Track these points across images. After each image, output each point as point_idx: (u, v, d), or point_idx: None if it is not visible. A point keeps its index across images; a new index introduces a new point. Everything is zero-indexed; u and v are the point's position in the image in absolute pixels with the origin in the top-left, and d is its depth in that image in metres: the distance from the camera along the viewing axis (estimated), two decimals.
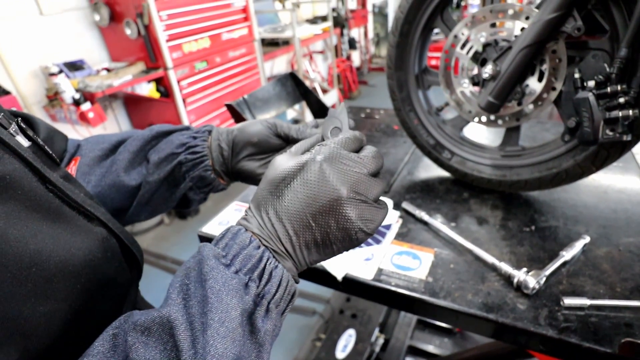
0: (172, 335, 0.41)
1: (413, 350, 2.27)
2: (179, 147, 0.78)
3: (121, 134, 0.81)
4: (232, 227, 0.52)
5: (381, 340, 2.32)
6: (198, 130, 0.81)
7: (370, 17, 9.12)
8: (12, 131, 0.51)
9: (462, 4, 8.63)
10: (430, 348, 2.25)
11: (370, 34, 9.47)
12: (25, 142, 0.54)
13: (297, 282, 0.55)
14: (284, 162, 0.56)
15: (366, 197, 0.54)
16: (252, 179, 0.81)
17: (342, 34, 7.69)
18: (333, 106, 0.76)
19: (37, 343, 0.44)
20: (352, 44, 8.05)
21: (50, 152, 0.58)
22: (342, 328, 2.38)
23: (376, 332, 2.34)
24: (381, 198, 0.58)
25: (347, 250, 0.56)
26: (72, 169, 0.72)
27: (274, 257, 0.52)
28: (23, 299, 0.42)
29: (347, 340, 2.30)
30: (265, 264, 0.50)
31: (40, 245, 0.44)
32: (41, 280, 0.44)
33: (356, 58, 9.13)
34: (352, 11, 8.24)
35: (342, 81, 7.75)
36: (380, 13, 9.40)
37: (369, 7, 9.03)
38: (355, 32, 8.74)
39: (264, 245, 0.51)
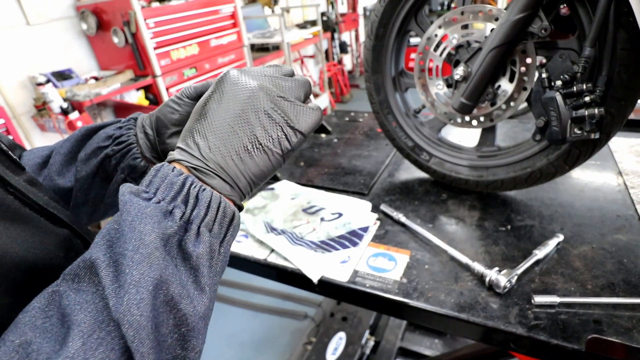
0: (97, 275, 0.40)
1: (404, 352, 2.27)
2: (105, 140, 0.75)
3: (57, 142, 0.79)
4: (156, 165, 0.50)
5: (371, 343, 2.32)
6: (124, 120, 0.78)
7: (361, 21, 9.14)
8: None
9: (452, 5, 8.68)
10: (421, 349, 2.25)
11: (362, 38, 9.49)
12: None
13: (239, 207, 0.54)
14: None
15: (285, 94, 0.54)
16: None
17: (333, 38, 7.71)
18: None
19: None
20: (344, 47, 8.06)
21: (14, 157, 0.59)
22: (332, 331, 2.38)
23: (366, 334, 2.34)
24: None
25: (284, 154, 0.55)
26: None
27: (200, 179, 0.50)
28: None
29: (337, 343, 2.30)
30: (189, 188, 0.48)
31: None
32: None
33: (348, 62, 9.15)
34: (343, 15, 8.25)
35: (333, 85, 7.77)
36: None
37: (360, 10, 9.05)
38: (347, 36, 8.76)
39: (188, 169, 0.50)
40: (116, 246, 0.42)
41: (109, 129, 0.76)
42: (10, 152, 0.59)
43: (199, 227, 0.47)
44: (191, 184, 0.48)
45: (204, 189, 0.49)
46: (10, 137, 0.74)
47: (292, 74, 0.59)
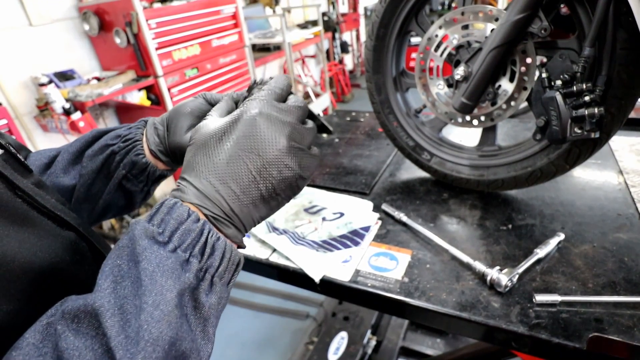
0: (100, 323, 0.40)
1: (405, 352, 2.28)
2: (114, 138, 0.76)
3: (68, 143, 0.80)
4: (166, 201, 0.49)
5: (373, 342, 2.33)
6: (137, 122, 0.79)
7: (362, 20, 9.15)
8: None
9: (453, 4, 8.68)
10: (423, 349, 2.25)
11: (363, 37, 9.49)
12: None
13: (243, 247, 0.55)
14: (211, 123, 0.55)
15: (302, 145, 0.55)
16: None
17: (334, 38, 7.72)
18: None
19: (3, 342, 0.44)
20: (345, 47, 8.07)
21: (22, 160, 0.60)
22: (334, 331, 2.39)
23: (368, 334, 2.34)
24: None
25: (289, 200, 0.57)
26: None
27: (215, 227, 0.50)
28: None
29: (339, 343, 2.30)
30: (207, 237, 0.48)
31: (5, 248, 0.46)
32: (4, 281, 0.45)
33: (349, 61, 9.16)
34: (344, 15, 8.26)
35: (334, 85, 7.78)
36: None
37: (361, 10, 9.06)
38: (348, 36, 8.76)
39: (204, 215, 0.50)
40: (123, 288, 0.42)
41: (120, 130, 0.77)
42: (19, 155, 0.60)
43: (212, 277, 0.48)
44: (209, 233, 0.48)
45: (219, 238, 0.49)
46: (13, 137, 0.74)
47: (306, 114, 0.60)
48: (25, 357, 0.38)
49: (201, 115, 0.75)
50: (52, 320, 0.42)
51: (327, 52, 7.64)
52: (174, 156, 0.78)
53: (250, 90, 0.67)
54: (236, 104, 0.69)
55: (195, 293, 0.46)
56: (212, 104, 0.75)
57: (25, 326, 0.46)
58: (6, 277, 0.46)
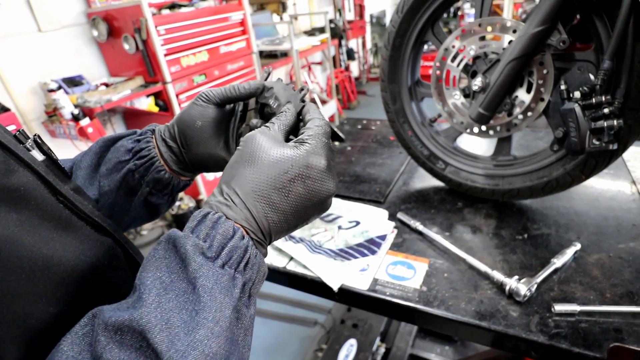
0: (146, 339, 0.40)
1: (414, 359, 2.27)
2: (126, 154, 0.74)
3: (77, 155, 0.79)
4: (209, 214, 0.50)
5: (382, 350, 2.32)
6: (141, 132, 0.77)
7: (368, 28, 9.19)
8: (28, 146, 0.55)
9: (459, 13, 8.71)
10: (432, 356, 2.25)
11: (369, 44, 9.53)
12: (39, 157, 0.57)
13: (265, 256, 0.58)
14: (274, 148, 0.55)
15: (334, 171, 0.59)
16: (214, 164, 0.77)
17: (340, 45, 7.74)
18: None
19: (45, 344, 0.46)
20: (351, 54, 8.09)
21: (63, 166, 0.61)
22: (343, 338, 2.39)
23: (377, 341, 2.34)
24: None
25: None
26: None
27: (256, 247, 0.52)
28: (35, 300, 0.45)
29: (348, 350, 2.30)
30: (250, 256, 0.50)
31: (52, 251, 0.48)
32: (52, 283, 0.47)
33: (355, 68, 9.18)
34: (350, 22, 8.29)
35: (340, 91, 7.79)
36: (378, 23, 9.47)
37: (367, 17, 9.10)
38: (354, 43, 8.79)
39: (249, 235, 0.51)
40: (165, 301, 0.43)
41: (127, 142, 0.75)
42: (59, 161, 0.60)
43: (250, 290, 0.50)
44: (251, 251, 0.51)
45: (257, 255, 0.52)
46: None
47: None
48: None
49: (212, 124, 0.74)
50: (87, 331, 0.43)
51: (334, 59, 7.66)
52: (195, 168, 0.79)
53: (266, 95, 0.70)
54: (256, 100, 0.73)
55: (238, 306, 0.47)
56: (217, 104, 0.73)
57: (67, 328, 0.47)
58: (54, 279, 0.48)
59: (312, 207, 0.56)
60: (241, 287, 0.48)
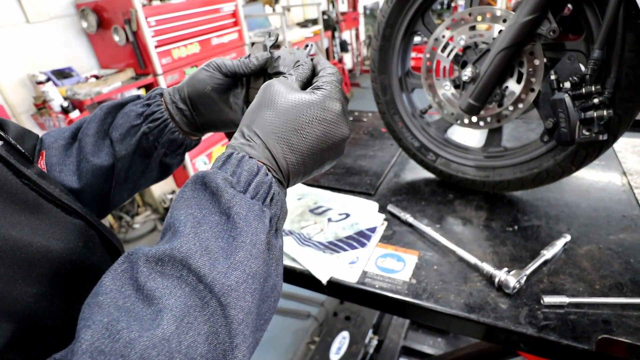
0: (187, 266, 0.42)
1: (407, 351, 2.28)
2: (137, 118, 0.77)
3: (76, 122, 0.80)
4: (233, 154, 0.53)
5: (375, 342, 2.33)
6: (149, 96, 0.79)
7: (361, 19, 9.14)
8: None
9: (452, 4, 8.68)
10: (424, 348, 2.26)
11: (362, 36, 9.49)
12: None
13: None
14: (292, 93, 0.57)
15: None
16: (225, 124, 0.82)
17: (333, 37, 7.70)
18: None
19: (28, 324, 0.46)
20: (344, 46, 8.06)
21: (23, 151, 0.61)
22: (336, 330, 2.39)
23: (370, 333, 2.34)
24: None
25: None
26: (42, 163, 0.73)
27: (278, 184, 0.55)
28: (11, 280, 0.46)
29: (340, 343, 2.31)
30: (275, 192, 0.52)
31: (21, 234, 0.48)
32: (25, 263, 0.48)
33: (348, 60, 9.14)
34: (343, 14, 8.25)
35: None
36: (372, 15, 9.42)
37: (360, 9, 9.05)
38: (347, 35, 8.75)
39: (271, 173, 0.53)
40: (201, 232, 0.45)
41: (136, 107, 0.78)
42: (18, 146, 0.61)
43: (276, 224, 0.53)
44: (275, 189, 0.53)
45: (280, 192, 0.54)
46: (17, 124, 0.74)
47: None
48: (113, 300, 0.40)
49: (222, 90, 0.78)
50: (125, 267, 0.44)
51: (327, 51, 7.63)
52: (204, 128, 0.83)
53: (274, 65, 0.77)
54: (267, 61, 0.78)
55: (268, 236, 0.50)
56: (228, 75, 0.77)
57: (50, 309, 0.49)
58: (26, 259, 0.48)
59: (327, 150, 0.58)
60: (270, 218, 0.50)
